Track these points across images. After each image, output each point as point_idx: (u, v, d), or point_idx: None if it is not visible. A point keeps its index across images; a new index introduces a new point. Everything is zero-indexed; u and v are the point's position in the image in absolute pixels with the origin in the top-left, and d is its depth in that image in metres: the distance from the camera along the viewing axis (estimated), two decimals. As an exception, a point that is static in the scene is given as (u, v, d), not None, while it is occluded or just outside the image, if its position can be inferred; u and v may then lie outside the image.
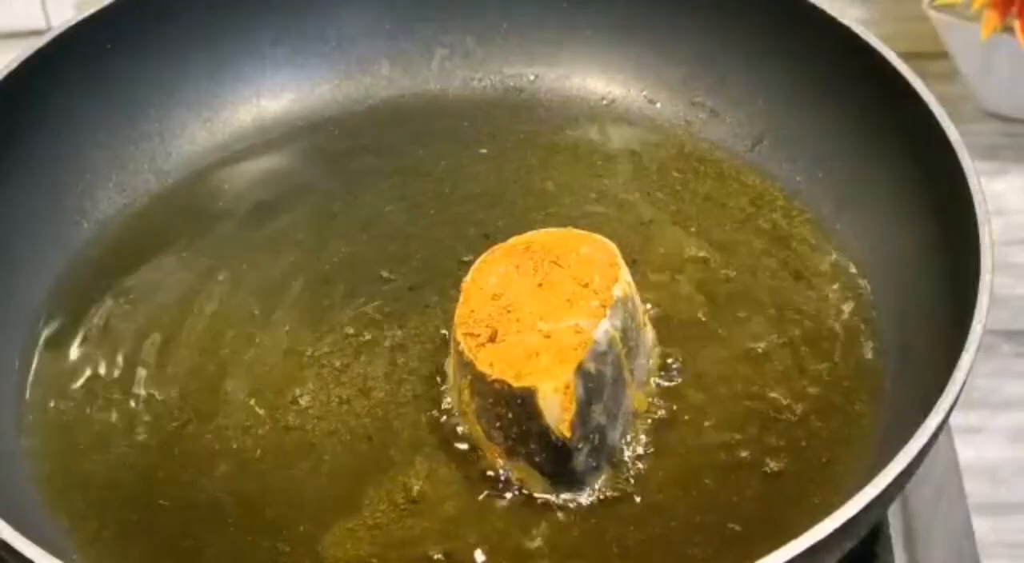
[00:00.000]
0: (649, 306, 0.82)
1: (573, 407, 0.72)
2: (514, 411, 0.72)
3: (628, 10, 0.95)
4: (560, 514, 0.74)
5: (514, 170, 0.92)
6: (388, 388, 0.80)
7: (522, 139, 0.94)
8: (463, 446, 0.77)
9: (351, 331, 0.83)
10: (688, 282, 0.85)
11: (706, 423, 0.78)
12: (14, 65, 0.86)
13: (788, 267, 0.85)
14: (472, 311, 0.75)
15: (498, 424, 0.74)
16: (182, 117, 0.94)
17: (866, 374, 0.80)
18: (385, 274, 0.86)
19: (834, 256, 0.86)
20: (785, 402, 0.79)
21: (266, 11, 0.95)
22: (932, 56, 1.06)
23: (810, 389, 0.79)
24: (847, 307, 0.83)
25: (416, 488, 0.76)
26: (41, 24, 1.15)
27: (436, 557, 0.73)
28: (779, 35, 0.90)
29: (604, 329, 0.73)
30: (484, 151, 0.94)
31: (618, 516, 0.74)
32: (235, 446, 0.78)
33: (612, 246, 0.78)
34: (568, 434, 0.72)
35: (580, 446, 0.73)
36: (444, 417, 0.78)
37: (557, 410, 0.72)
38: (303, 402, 0.80)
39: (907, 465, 0.67)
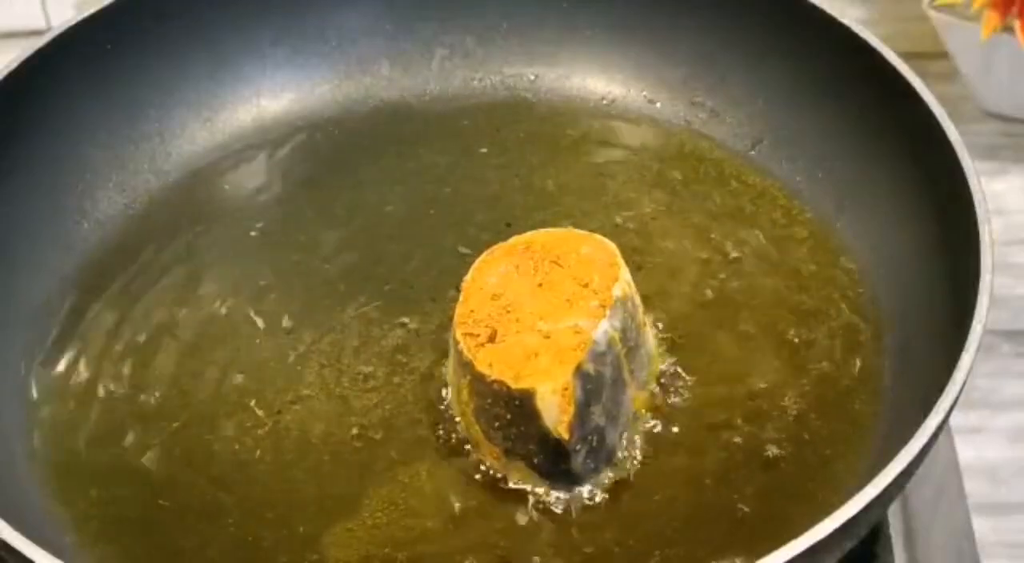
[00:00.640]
0: (648, 307, 0.82)
1: (571, 409, 0.72)
2: (512, 412, 0.72)
3: (628, 10, 0.95)
4: (559, 514, 0.74)
5: (514, 170, 0.92)
6: (388, 388, 0.80)
7: (522, 139, 0.94)
8: (463, 446, 0.77)
9: (351, 331, 0.83)
10: (688, 282, 0.85)
11: (706, 423, 0.78)
12: (14, 65, 0.86)
13: (788, 267, 0.85)
14: (472, 311, 0.75)
15: (496, 424, 0.74)
16: (182, 117, 0.94)
17: (866, 374, 0.80)
18: (385, 274, 0.86)
19: (834, 256, 0.86)
20: (785, 402, 0.79)
21: (266, 11, 0.95)
22: (932, 56, 1.06)
23: (810, 389, 0.79)
24: (847, 307, 0.83)
25: (416, 488, 0.76)
26: (41, 24, 1.15)
27: (435, 557, 0.73)
28: (779, 35, 0.90)
29: (603, 330, 0.73)
30: (484, 151, 0.94)
31: (617, 516, 0.74)
32: (235, 446, 0.78)
33: (612, 246, 0.78)
34: (566, 436, 0.72)
35: (578, 448, 0.73)
36: (444, 417, 0.78)
37: (555, 412, 0.72)
38: (303, 402, 0.80)
39: (907, 465, 0.67)
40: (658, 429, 0.77)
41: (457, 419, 0.78)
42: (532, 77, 0.97)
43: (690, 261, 0.86)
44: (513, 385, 0.72)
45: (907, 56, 0.84)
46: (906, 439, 0.68)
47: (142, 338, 0.84)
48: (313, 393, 0.80)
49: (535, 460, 0.74)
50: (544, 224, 0.82)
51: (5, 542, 0.67)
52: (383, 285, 0.86)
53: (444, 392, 0.79)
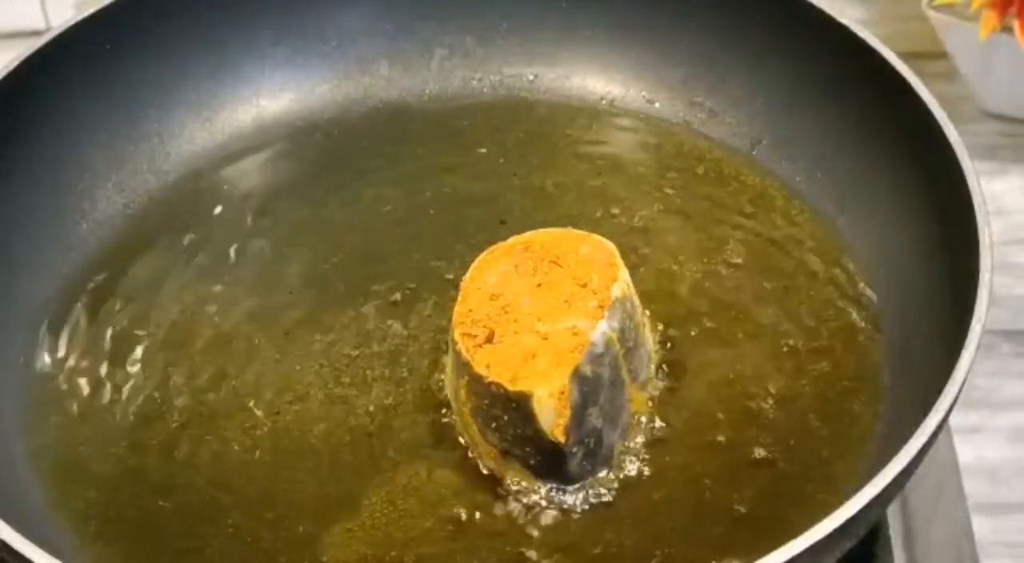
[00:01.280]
0: (648, 307, 0.81)
1: (567, 412, 0.72)
2: (509, 414, 0.72)
3: (628, 10, 0.95)
4: (557, 515, 0.74)
5: (513, 170, 0.92)
6: (387, 388, 0.80)
7: (521, 139, 0.94)
8: (461, 447, 0.77)
9: (350, 331, 0.83)
10: (687, 282, 0.85)
11: (705, 423, 0.78)
12: (14, 65, 0.86)
13: (787, 267, 0.85)
14: (470, 310, 0.75)
15: (494, 425, 0.74)
16: (182, 117, 0.94)
17: (866, 374, 0.80)
18: (384, 274, 0.86)
19: (834, 256, 0.86)
20: (784, 402, 0.79)
21: (266, 11, 0.95)
22: (932, 56, 1.06)
23: (810, 389, 0.79)
24: (847, 307, 0.83)
25: (415, 488, 0.76)
26: (41, 24, 1.15)
27: (434, 558, 0.73)
28: (779, 35, 0.90)
29: (601, 331, 0.73)
30: (484, 151, 0.94)
31: (616, 517, 0.74)
32: (235, 447, 0.78)
33: (611, 246, 0.78)
34: (562, 439, 0.72)
35: (575, 450, 0.73)
36: (443, 417, 0.78)
37: (551, 415, 0.72)
38: (302, 402, 0.80)
39: (907, 465, 0.67)
40: (657, 429, 0.77)
41: (456, 419, 0.78)
42: (531, 77, 0.97)
43: (689, 261, 0.86)
44: (510, 387, 0.72)
45: (907, 56, 0.84)
46: (905, 439, 0.68)
47: (142, 338, 0.84)
48: (312, 393, 0.81)
49: (532, 461, 0.74)
50: (543, 224, 0.82)
51: (5, 542, 0.67)
52: (382, 285, 0.86)
53: (443, 392, 0.79)
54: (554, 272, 0.76)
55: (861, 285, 0.84)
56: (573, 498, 0.74)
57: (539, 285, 0.76)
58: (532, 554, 0.73)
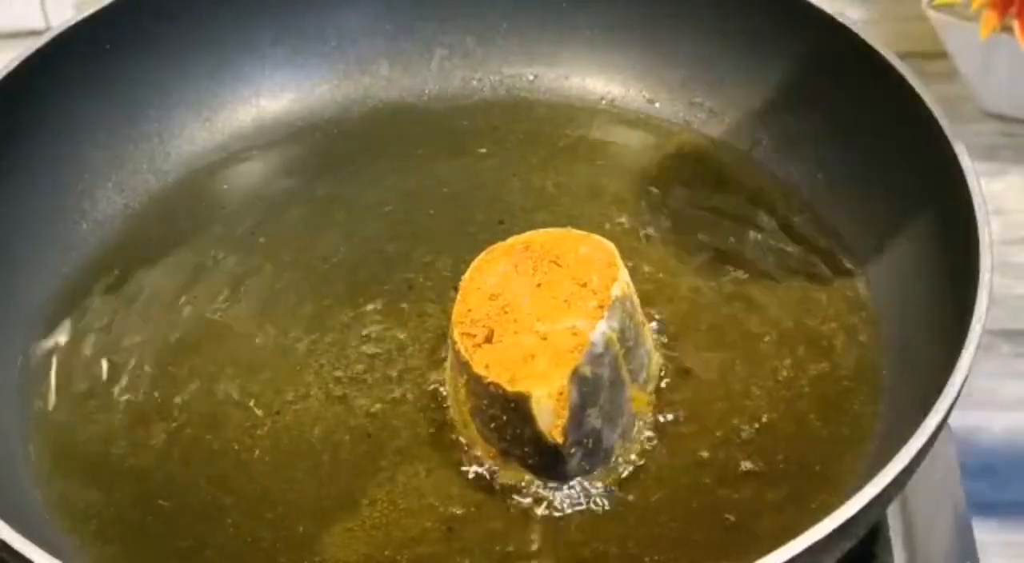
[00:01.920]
0: (647, 308, 0.81)
1: (566, 414, 0.72)
2: (508, 414, 0.72)
3: (628, 10, 0.95)
4: (556, 515, 0.74)
5: (514, 170, 0.92)
6: (387, 388, 0.80)
7: (521, 139, 0.94)
8: (461, 447, 0.77)
9: (351, 331, 0.83)
10: (686, 282, 0.85)
11: (705, 422, 0.78)
12: (14, 65, 0.86)
13: (787, 267, 0.85)
14: (469, 310, 0.75)
15: (493, 425, 0.74)
16: (182, 117, 0.94)
17: (866, 374, 0.80)
18: (384, 274, 0.86)
19: (833, 256, 0.86)
20: (784, 401, 0.79)
21: (266, 11, 0.95)
22: (932, 56, 1.06)
23: (810, 389, 0.79)
24: (846, 307, 0.83)
25: (415, 488, 0.76)
26: (41, 24, 1.15)
27: (433, 557, 0.73)
28: (779, 35, 0.90)
29: (601, 331, 0.73)
30: (484, 151, 0.94)
31: (615, 517, 0.74)
32: (235, 447, 0.78)
33: (610, 246, 0.78)
34: (560, 440, 0.72)
35: (573, 451, 0.73)
36: (443, 417, 0.78)
37: (550, 416, 0.72)
38: (302, 402, 0.80)
39: (907, 465, 0.67)
40: (657, 429, 0.77)
41: (455, 419, 0.78)
42: (531, 77, 0.97)
43: (688, 261, 0.86)
44: (509, 388, 0.72)
45: (907, 56, 0.84)
46: (905, 439, 0.68)
47: (141, 338, 0.84)
48: (312, 393, 0.81)
49: (531, 461, 0.74)
50: (543, 224, 0.82)
51: (5, 542, 0.67)
52: (382, 285, 0.86)
53: (442, 392, 0.79)
54: (554, 272, 0.76)
55: (861, 285, 0.84)
56: (572, 498, 0.74)
57: (539, 285, 0.76)
58: (531, 554, 0.73)
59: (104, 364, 0.83)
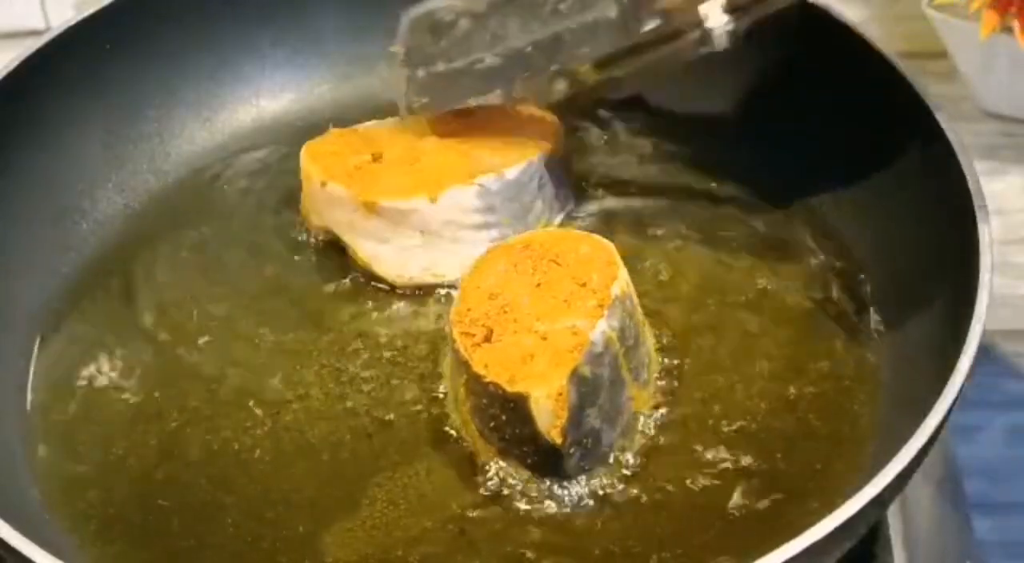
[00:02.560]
0: (647, 307, 0.81)
1: (565, 414, 0.72)
2: (507, 414, 0.72)
3: (628, 10, 0.95)
4: (556, 515, 0.74)
5: (514, 170, 0.92)
6: (387, 388, 0.80)
7: (522, 139, 0.94)
8: (461, 446, 0.77)
9: (350, 331, 0.83)
10: (686, 282, 0.85)
11: (705, 422, 0.78)
12: (14, 65, 0.86)
13: (787, 267, 0.85)
14: (469, 309, 0.75)
15: (492, 424, 0.74)
16: (181, 117, 0.94)
17: (866, 374, 0.80)
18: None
19: (833, 256, 0.86)
20: (785, 401, 0.79)
21: (266, 11, 0.96)
22: (932, 56, 1.06)
23: (809, 389, 0.79)
24: (847, 307, 0.83)
25: (414, 488, 0.76)
26: (40, 24, 1.15)
27: (433, 557, 0.73)
28: (778, 35, 0.90)
29: (601, 330, 0.73)
30: (484, 151, 0.94)
31: (615, 516, 0.74)
32: (235, 446, 0.78)
33: (610, 246, 0.78)
34: (559, 440, 0.72)
35: (572, 450, 0.73)
36: (442, 417, 0.78)
37: (548, 417, 0.72)
38: (302, 402, 0.80)
39: (907, 465, 0.67)
40: (656, 428, 0.77)
41: (455, 418, 0.78)
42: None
43: (689, 261, 0.86)
44: (508, 388, 0.72)
45: (907, 56, 0.84)
46: (905, 439, 0.68)
47: (141, 339, 0.84)
48: (312, 393, 0.80)
49: (530, 460, 0.74)
50: (543, 224, 0.82)
51: (5, 542, 0.67)
52: (383, 284, 0.86)
53: (442, 391, 0.79)
54: (553, 271, 0.76)
55: (861, 285, 0.84)
56: (572, 497, 0.74)
57: (538, 284, 0.76)
58: (530, 553, 0.73)
59: (104, 365, 0.83)
